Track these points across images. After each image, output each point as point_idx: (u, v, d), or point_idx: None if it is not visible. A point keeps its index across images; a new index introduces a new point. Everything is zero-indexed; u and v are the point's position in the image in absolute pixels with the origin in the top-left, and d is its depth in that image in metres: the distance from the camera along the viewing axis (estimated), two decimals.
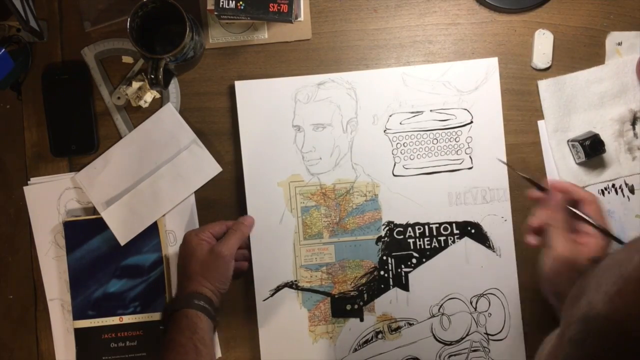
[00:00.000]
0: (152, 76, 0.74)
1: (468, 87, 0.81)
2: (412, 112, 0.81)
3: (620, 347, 0.27)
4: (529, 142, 0.82)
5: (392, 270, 0.82)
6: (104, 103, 0.84)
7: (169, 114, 0.83)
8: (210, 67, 0.83)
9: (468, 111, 0.81)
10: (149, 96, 0.83)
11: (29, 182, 0.83)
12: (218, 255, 0.74)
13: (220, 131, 0.83)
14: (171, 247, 0.83)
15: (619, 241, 0.60)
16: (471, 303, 0.81)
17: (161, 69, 0.73)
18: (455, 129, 0.81)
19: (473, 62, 0.81)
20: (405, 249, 0.81)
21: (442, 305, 0.81)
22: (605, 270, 0.32)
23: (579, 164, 0.81)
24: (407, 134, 0.81)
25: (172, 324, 0.71)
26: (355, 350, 0.81)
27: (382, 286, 0.81)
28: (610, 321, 0.29)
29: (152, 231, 0.82)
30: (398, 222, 0.81)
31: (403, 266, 0.81)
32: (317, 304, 0.82)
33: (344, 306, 0.81)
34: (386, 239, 0.81)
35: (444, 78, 0.81)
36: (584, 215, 0.62)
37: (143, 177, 0.82)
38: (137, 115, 0.84)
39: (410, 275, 0.81)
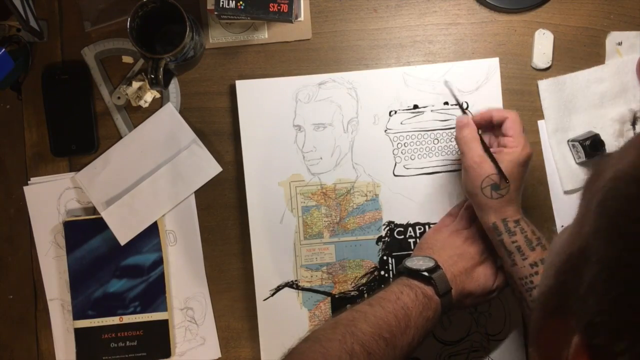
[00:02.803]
0: (152, 76, 0.74)
1: (469, 87, 0.81)
2: (413, 112, 0.81)
3: None
4: (529, 142, 0.82)
5: (392, 270, 0.81)
6: (104, 103, 0.84)
7: (169, 114, 0.82)
8: (210, 67, 0.83)
9: (469, 111, 0.81)
10: (149, 96, 0.83)
11: (29, 182, 0.83)
12: None
13: (220, 131, 0.83)
14: (171, 247, 0.83)
15: (501, 172, 0.69)
16: None
17: (161, 69, 0.73)
18: None
19: (474, 62, 0.81)
20: (405, 249, 0.81)
21: None
22: (618, 157, 0.31)
23: (579, 163, 0.81)
24: (408, 134, 0.81)
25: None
26: None
27: (383, 286, 0.81)
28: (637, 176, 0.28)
29: (152, 231, 0.82)
30: (398, 222, 0.81)
31: None
32: (318, 304, 0.82)
33: (345, 306, 0.81)
34: (387, 239, 0.81)
35: (445, 78, 0.81)
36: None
37: (143, 177, 0.82)
38: (137, 115, 0.84)
39: None
